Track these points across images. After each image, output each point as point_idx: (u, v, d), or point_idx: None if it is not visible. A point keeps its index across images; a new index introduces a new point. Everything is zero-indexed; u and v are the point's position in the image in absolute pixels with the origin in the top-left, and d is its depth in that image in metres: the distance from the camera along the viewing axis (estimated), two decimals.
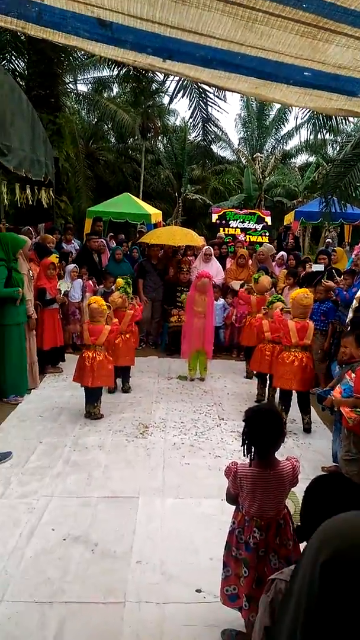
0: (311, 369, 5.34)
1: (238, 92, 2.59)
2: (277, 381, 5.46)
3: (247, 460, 2.51)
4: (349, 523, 0.86)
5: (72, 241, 9.82)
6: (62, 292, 7.22)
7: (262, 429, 2.42)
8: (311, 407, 5.47)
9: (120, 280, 6.32)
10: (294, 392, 5.42)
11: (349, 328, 4.77)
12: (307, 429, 5.39)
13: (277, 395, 5.81)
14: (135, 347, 6.48)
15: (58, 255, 7.56)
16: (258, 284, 6.98)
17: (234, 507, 2.68)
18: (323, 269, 7.36)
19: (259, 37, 2.11)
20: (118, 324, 5.80)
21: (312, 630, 0.80)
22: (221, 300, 8.35)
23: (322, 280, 6.69)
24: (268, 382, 6.09)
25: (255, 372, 6.54)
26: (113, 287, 7.09)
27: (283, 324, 5.40)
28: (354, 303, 5.41)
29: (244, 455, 2.49)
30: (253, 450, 2.46)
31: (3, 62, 11.18)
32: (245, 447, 2.46)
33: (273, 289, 7.98)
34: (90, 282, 8.24)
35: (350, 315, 5.43)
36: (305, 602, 0.82)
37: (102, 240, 9.75)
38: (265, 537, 2.46)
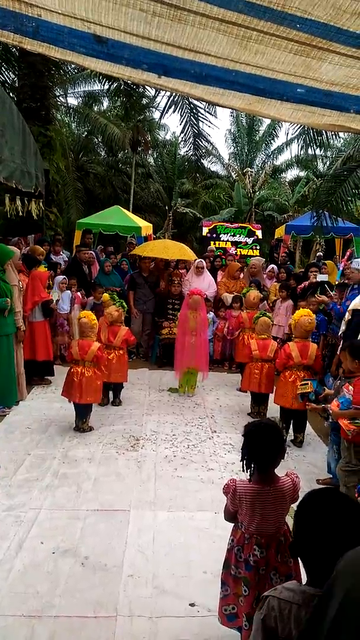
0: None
1: (233, 108, 2.63)
2: (278, 399, 5.46)
3: (246, 476, 2.47)
4: None
5: (61, 252, 9.82)
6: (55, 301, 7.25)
7: (263, 444, 2.37)
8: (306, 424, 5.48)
9: (106, 295, 6.29)
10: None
11: (341, 341, 4.82)
12: (298, 446, 5.38)
13: (267, 411, 5.83)
14: (126, 362, 6.41)
15: (46, 266, 7.55)
16: (246, 299, 7.09)
17: (227, 521, 2.64)
18: (327, 279, 7.38)
19: (254, 54, 2.15)
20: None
21: None
22: (210, 314, 8.31)
23: (316, 295, 6.76)
24: (260, 399, 6.08)
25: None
26: (102, 298, 7.10)
27: (284, 350, 5.42)
28: (346, 315, 5.45)
29: (243, 471, 2.44)
30: (253, 466, 2.41)
31: None
32: (245, 463, 2.42)
33: (265, 302, 8.04)
34: (79, 293, 8.24)
35: (342, 327, 5.47)
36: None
37: (92, 252, 9.76)
38: (265, 555, 2.41)
